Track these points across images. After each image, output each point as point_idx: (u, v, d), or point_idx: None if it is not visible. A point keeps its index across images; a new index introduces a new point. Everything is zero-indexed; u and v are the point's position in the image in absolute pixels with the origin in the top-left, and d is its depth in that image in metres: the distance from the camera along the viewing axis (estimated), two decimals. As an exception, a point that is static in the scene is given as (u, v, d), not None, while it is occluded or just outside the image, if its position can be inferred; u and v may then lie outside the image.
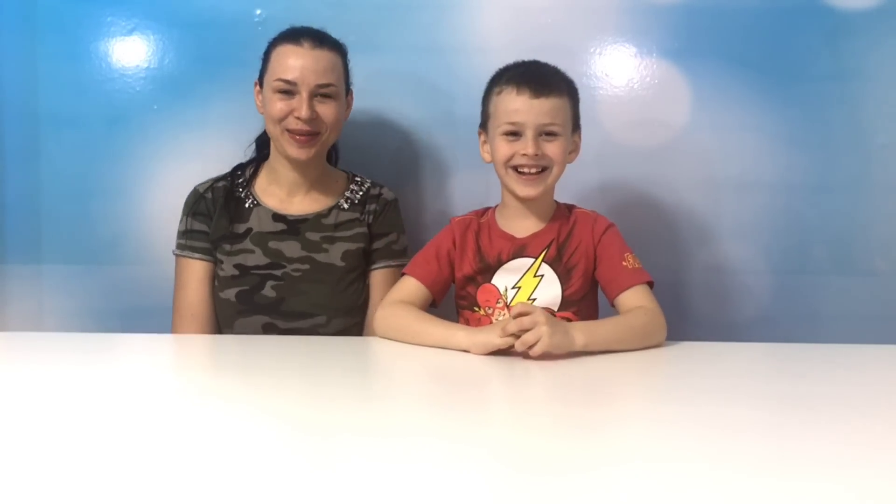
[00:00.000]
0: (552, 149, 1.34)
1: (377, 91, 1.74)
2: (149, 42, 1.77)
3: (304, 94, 1.44)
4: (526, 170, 1.35)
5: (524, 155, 1.33)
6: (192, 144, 1.76)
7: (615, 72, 1.74)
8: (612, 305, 1.39)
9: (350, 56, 1.53)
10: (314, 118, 1.46)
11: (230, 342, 1.42)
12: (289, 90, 1.45)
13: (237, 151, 1.58)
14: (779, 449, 0.82)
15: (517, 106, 1.33)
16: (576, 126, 1.40)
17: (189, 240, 1.54)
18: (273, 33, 1.51)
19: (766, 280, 1.76)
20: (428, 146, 1.77)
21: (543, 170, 1.35)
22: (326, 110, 1.47)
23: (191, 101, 1.76)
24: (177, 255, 1.55)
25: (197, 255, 1.54)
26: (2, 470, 0.74)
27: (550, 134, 1.34)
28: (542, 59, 1.42)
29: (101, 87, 1.77)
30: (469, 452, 0.80)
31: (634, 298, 1.34)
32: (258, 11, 1.73)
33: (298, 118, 1.44)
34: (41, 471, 0.73)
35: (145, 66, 1.77)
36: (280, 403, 0.97)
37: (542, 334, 1.15)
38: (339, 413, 0.93)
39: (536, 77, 1.35)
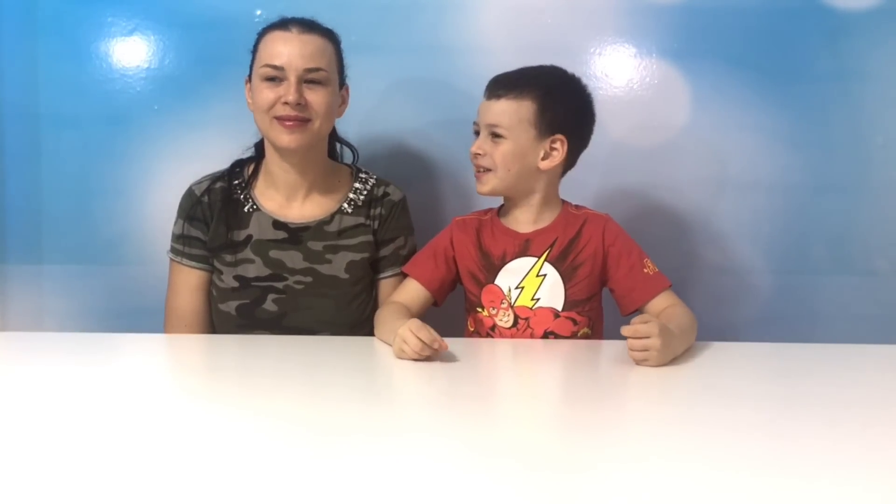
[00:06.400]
0: (494, 149, 1.36)
1: (377, 92, 1.74)
2: (149, 42, 1.77)
3: (292, 79, 1.39)
4: (478, 169, 1.40)
5: (471, 153, 1.39)
6: (192, 144, 1.76)
7: (615, 72, 1.74)
8: (630, 313, 1.38)
9: (350, 57, 1.52)
10: (303, 104, 1.40)
11: (230, 342, 1.42)
12: (276, 76, 1.40)
13: (237, 152, 1.57)
14: (779, 449, 0.82)
15: (479, 108, 1.40)
16: (547, 131, 1.36)
17: (185, 246, 1.50)
18: (273, 34, 1.51)
19: (766, 280, 1.76)
20: (428, 146, 1.77)
21: (488, 170, 1.37)
22: (316, 97, 1.41)
23: (191, 101, 1.76)
24: (171, 259, 1.53)
25: (192, 262, 1.50)
26: (2, 469, 0.74)
27: (496, 135, 1.36)
28: (542, 58, 1.42)
29: (101, 87, 1.77)
30: (472, 452, 0.80)
31: (664, 299, 1.37)
32: (258, 12, 1.73)
33: (286, 103, 1.38)
34: (41, 470, 0.73)
35: (146, 66, 1.77)
36: (281, 404, 0.97)
37: (654, 346, 1.14)
38: (340, 413, 0.93)
39: (498, 79, 1.39)
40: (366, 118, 1.73)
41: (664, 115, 1.74)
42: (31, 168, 1.79)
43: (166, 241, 1.55)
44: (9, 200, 1.80)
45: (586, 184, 1.68)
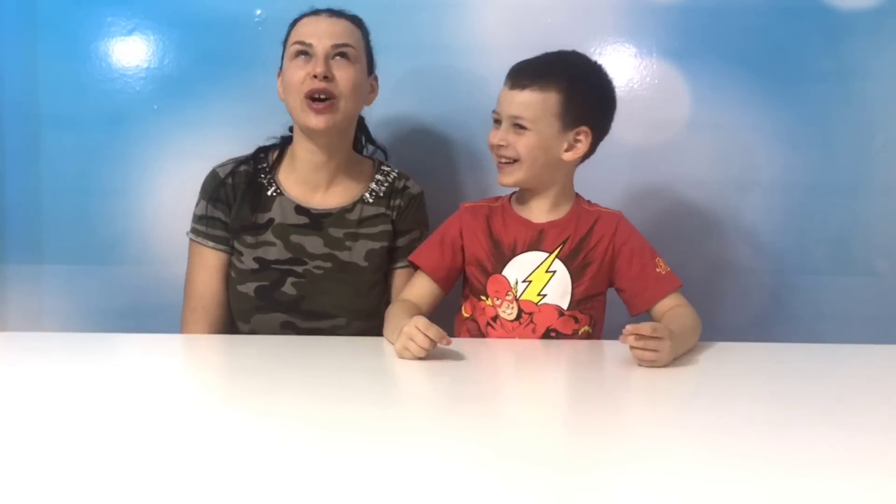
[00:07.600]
0: (518, 141, 1.33)
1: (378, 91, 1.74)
2: (149, 42, 1.77)
3: (320, 54, 1.41)
4: (500, 159, 1.36)
5: (492, 144, 1.37)
6: (192, 144, 1.76)
7: (615, 72, 1.72)
8: (640, 313, 1.38)
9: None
10: (330, 77, 1.41)
11: (233, 343, 1.42)
12: (305, 51, 1.43)
13: (237, 152, 1.57)
14: (780, 449, 0.82)
15: (501, 97, 1.36)
16: (572, 123, 1.34)
17: (206, 227, 1.51)
18: (273, 33, 1.51)
19: (766, 280, 1.76)
20: (427, 146, 1.77)
21: (514, 161, 1.35)
22: (343, 73, 1.43)
23: (191, 101, 1.76)
24: (191, 240, 1.53)
25: (212, 243, 1.51)
26: (2, 470, 0.74)
27: (519, 126, 1.33)
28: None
29: (101, 87, 1.77)
30: (476, 452, 0.80)
31: (671, 300, 1.37)
32: (258, 11, 1.73)
33: (315, 77, 1.40)
34: (41, 471, 0.73)
35: (145, 66, 1.77)
36: (286, 405, 0.97)
37: (664, 349, 1.14)
38: (346, 413, 0.93)
39: (521, 68, 1.35)
40: (365, 117, 1.72)
41: (664, 115, 1.74)
42: (31, 168, 1.79)
43: (166, 241, 1.55)
44: (9, 200, 1.80)
45: (584, 183, 1.68)
